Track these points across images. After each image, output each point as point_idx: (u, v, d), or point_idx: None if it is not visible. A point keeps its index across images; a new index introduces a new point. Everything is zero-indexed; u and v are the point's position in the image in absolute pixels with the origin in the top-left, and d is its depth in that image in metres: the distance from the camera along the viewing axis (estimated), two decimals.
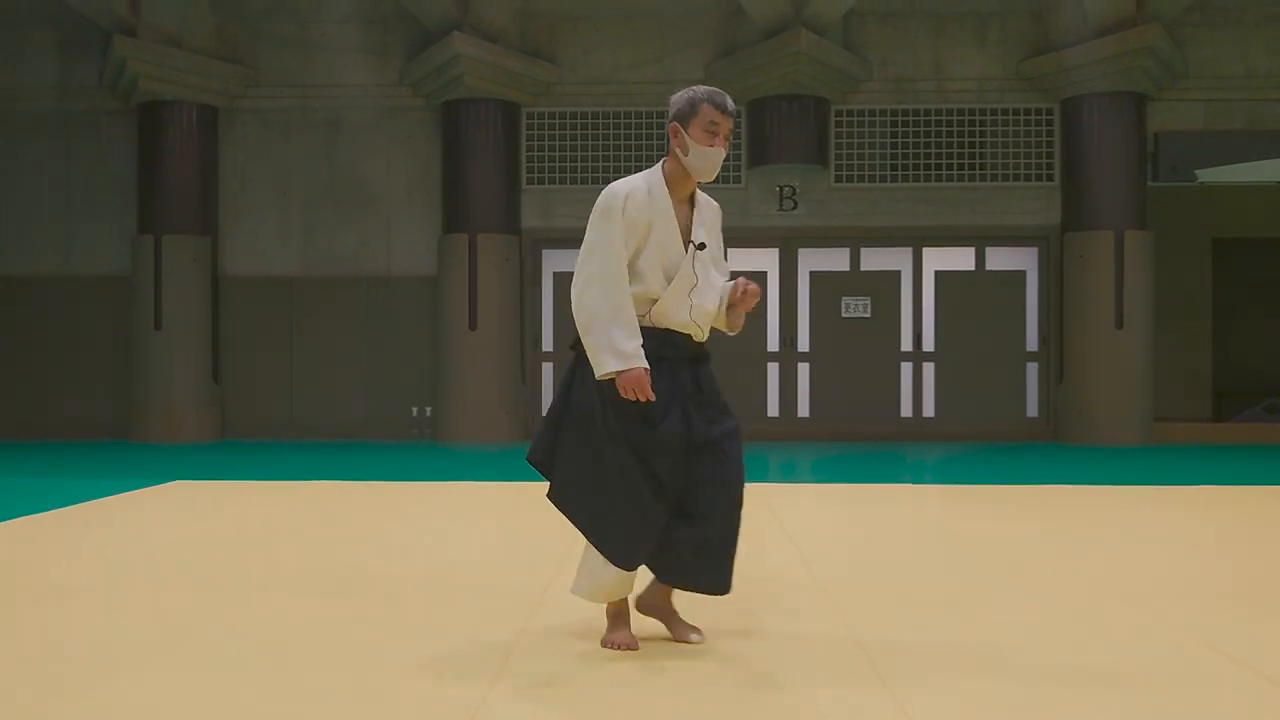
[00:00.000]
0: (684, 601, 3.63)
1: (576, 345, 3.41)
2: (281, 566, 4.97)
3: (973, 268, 12.52)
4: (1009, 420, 12.50)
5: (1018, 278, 12.56)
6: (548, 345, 12.69)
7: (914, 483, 8.67)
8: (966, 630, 3.78)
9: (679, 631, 3.52)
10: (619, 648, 3.48)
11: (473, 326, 12.00)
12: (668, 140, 3.45)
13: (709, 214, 3.55)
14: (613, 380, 3.28)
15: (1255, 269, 13.09)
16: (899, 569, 4.91)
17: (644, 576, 3.55)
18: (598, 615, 3.90)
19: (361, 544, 5.59)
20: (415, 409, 12.56)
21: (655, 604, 3.59)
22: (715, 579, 3.43)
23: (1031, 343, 12.54)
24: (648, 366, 3.27)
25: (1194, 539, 6.04)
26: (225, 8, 12.37)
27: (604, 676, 3.24)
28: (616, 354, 3.24)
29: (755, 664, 3.34)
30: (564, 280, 12.63)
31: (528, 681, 3.19)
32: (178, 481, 8.23)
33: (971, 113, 12.33)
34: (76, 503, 6.97)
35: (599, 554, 3.42)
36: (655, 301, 3.37)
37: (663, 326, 3.39)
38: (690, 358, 3.44)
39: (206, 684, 3.16)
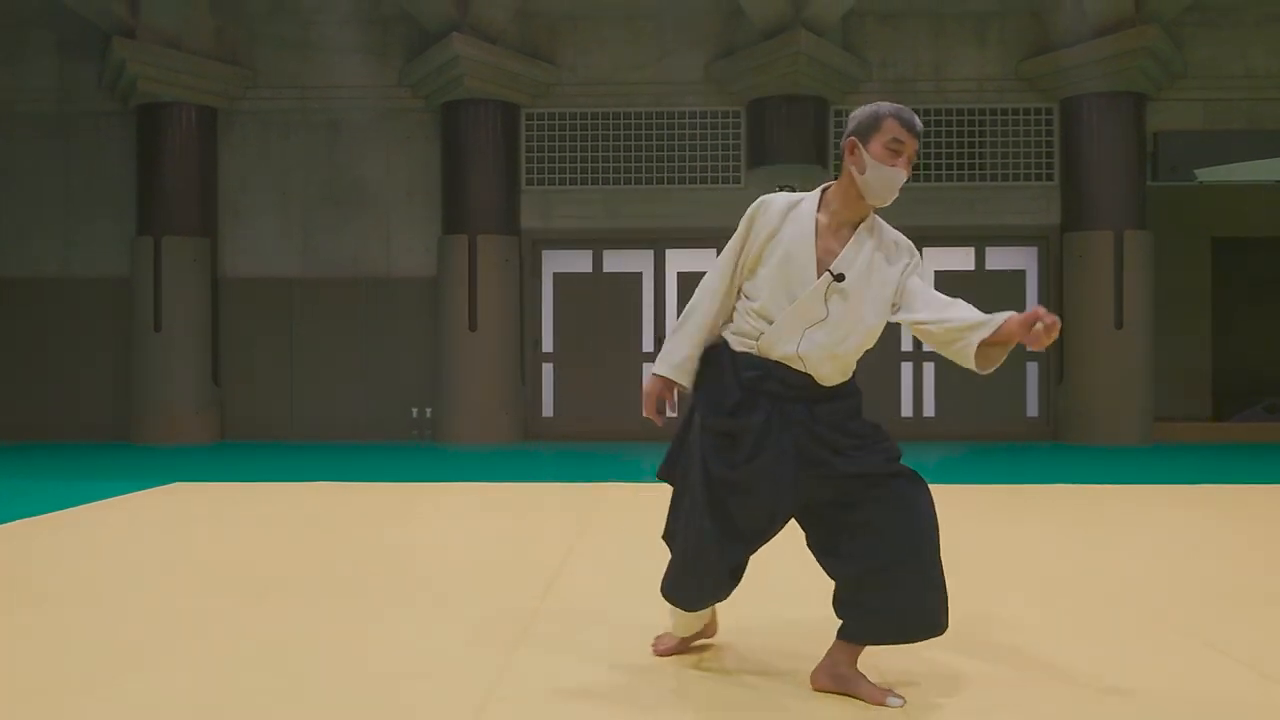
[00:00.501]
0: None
1: (700, 369, 3.20)
2: (282, 568, 4.96)
3: (972, 267, 12.52)
4: (1009, 420, 12.50)
5: (1017, 277, 12.56)
6: (548, 346, 12.69)
7: None
8: (969, 633, 3.77)
9: (870, 694, 3.01)
10: (661, 651, 3.42)
11: (472, 328, 12.00)
12: (841, 158, 3.14)
13: (884, 249, 3.11)
14: (706, 415, 3.10)
15: (1255, 268, 13.09)
16: None
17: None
18: (598, 618, 3.92)
19: (362, 545, 5.58)
20: (415, 410, 12.56)
21: (828, 672, 3.10)
22: (870, 625, 3.00)
23: None
24: (679, 382, 3.15)
25: (1195, 538, 6.04)
26: (224, 9, 12.36)
27: (606, 680, 3.24)
28: (664, 358, 3.17)
29: (758, 672, 3.33)
30: (564, 281, 12.63)
31: (529, 682, 3.19)
32: (178, 483, 8.23)
33: (971, 113, 12.33)
34: (76, 505, 6.97)
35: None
36: (771, 324, 3.07)
37: (772, 358, 3.07)
38: (805, 397, 3.08)
39: (207, 685, 3.16)
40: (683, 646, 3.45)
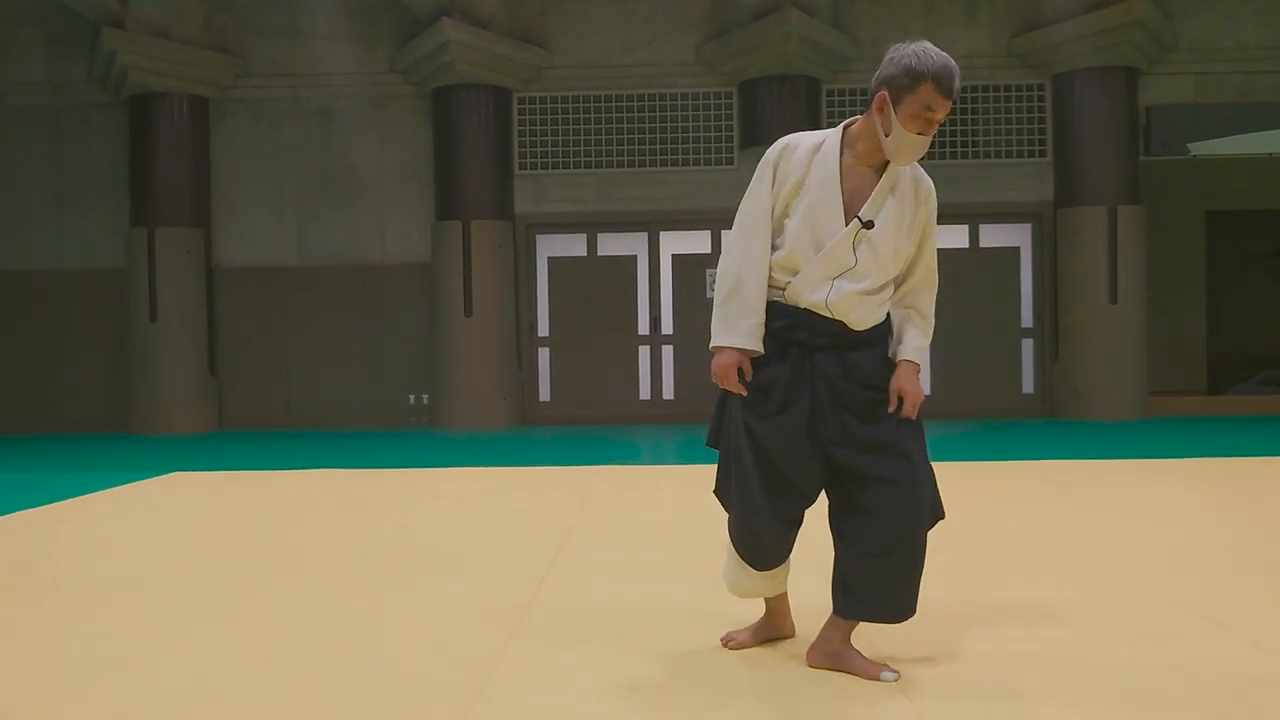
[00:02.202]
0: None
1: None
2: (281, 555, 4.98)
3: (967, 245, 12.52)
4: (1005, 397, 12.52)
5: (1012, 254, 12.57)
6: (543, 331, 12.70)
7: None
8: (965, 607, 3.80)
9: (864, 670, 3.02)
10: (730, 644, 3.33)
11: (468, 313, 12.01)
12: (870, 97, 2.95)
13: (905, 191, 2.99)
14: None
15: (1248, 241, 13.11)
16: None
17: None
18: (597, 600, 3.94)
19: (360, 532, 5.60)
20: (412, 396, 12.57)
21: (822, 650, 3.11)
22: (861, 605, 3.01)
23: (1026, 319, 12.56)
24: (753, 350, 2.98)
25: (1191, 510, 6.07)
26: None
27: (605, 662, 3.26)
28: (727, 329, 2.98)
29: (754, 652, 3.35)
30: (558, 265, 12.63)
31: (528, 664, 3.21)
32: (176, 473, 8.24)
33: (963, 90, 12.30)
34: (75, 496, 6.99)
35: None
36: (797, 274, 2.97)
37: (799, 305, 2.98)
38: (835, 345, 2.98)
39: (210, 672, 3.17)
40: (750, 643, 3.34)
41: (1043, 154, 12.30)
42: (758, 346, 2.99)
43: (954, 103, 2.90)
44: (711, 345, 3.04)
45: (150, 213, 12.09)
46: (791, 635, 3.39)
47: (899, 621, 3.06)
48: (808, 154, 2.99)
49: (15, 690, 3.06)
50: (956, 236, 12.51)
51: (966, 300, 12.41)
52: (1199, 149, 12.34)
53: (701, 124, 12.38)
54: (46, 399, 12.58)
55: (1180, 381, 12.81)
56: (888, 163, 2.98)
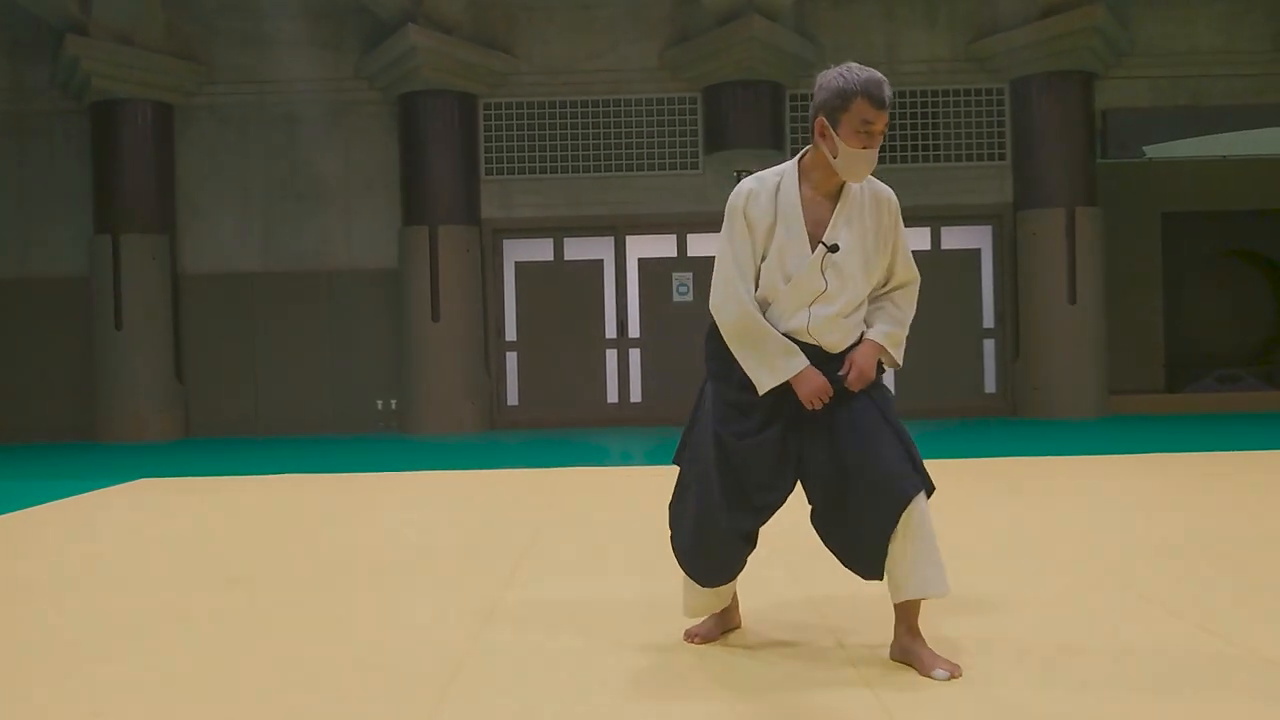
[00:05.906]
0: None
1: (708, 343, 3.20)
2: (252, 557, 5.01)
3: (929, 247, 12.68)
4: (967, 397, 12.69)
5: (972, 256, 12.74)
6: (510, 335, 12.75)
7: None
8: (929, 605, 3.89)
9: (923, 664, 3.02)
10: (695, 639, 3.35)
11: (435, 318, 12.04)
12: (811, 128, 3.07)
13: (867, 207, 3.12)
14: (718, 386, 3.14)
15: (1203, 242, 13.33)
16: None
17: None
18: (564, 595, 4.00)
19: (329, 535, 5.64)
20: (380, 402, 12.58)
21: (897, 644, 3.14)
22: (860, 569, 3.13)
23: (988, 320, 12.74)
24: (809, 365, 3.03)
25: (1148, 504, 6.20)
26: (176, 4, 12.28)
27: (571, 653, 3.32)
28: (786, 356, 3.01)
29: (728, 647, 3.42)
30: (525, 270, 12.69)
31: (497, 656, 3.27)
32: (144, 479, 8.23)
33: (923, 94, 12.48)
34: (42, 503, 6.96)
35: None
36: (770, 306, 3.07)
37: (779, 330, 3.06)
38: (814, 362, 3.05)
39: (182, 671, 3.21)
40: (714, 634, 3.37)
41: (1002, 157, 12.49)
42: (806, 362, 3.03)
43: (888, 111, 3.01)
44: (781, 382, 3.02)
45: (115, 219, 12.05)
46: (739, 626, 3.47)
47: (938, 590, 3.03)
48: (771, 196, 3.08)
49: None
50: (918, 239, 12.66)
51: (928, 302, 12.44)
52: (1154, 151, 12.57)
53: (666, 129, 12.47)
54: (11, 408, 12.47)
55: (1138, 380, 13.01)
56: (841, 188, 3.10)
